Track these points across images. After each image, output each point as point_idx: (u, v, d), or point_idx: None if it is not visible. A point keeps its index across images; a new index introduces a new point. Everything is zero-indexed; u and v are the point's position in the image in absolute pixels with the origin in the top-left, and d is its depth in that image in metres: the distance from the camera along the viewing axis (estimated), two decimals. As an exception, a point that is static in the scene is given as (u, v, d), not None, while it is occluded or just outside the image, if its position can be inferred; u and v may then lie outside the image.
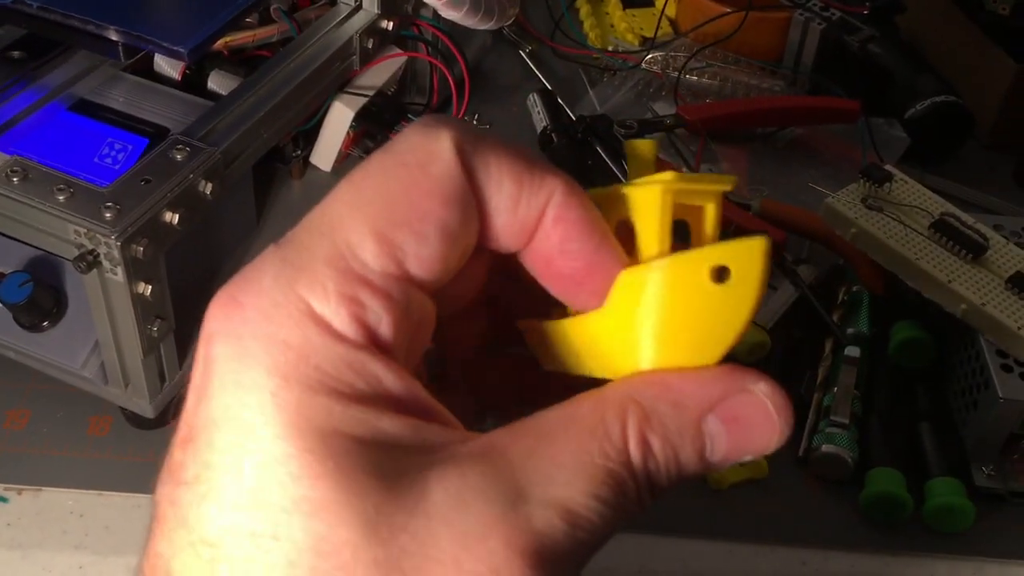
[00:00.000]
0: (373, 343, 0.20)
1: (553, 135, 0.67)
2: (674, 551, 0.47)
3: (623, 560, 0.46)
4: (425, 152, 0.21)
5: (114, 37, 0.46)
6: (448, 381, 0.28)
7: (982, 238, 0.52)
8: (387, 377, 0.20)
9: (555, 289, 0.24)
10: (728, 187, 0.25)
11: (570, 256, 0.23)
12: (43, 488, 0.46)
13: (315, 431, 0.19)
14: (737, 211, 0.60)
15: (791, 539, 0.48)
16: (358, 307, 0.20)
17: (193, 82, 0.54)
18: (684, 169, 0.65)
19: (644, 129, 0.67)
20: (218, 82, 0.53)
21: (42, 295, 0.45)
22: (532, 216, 0.22)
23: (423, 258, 0.21)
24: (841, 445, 0.49)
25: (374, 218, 0.20)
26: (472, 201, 0.21)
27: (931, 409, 0.52)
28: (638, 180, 0.25)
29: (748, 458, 0.23)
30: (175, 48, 0.45)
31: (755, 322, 0.55)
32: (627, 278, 0.23)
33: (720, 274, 0.22)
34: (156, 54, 0.53)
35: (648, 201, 0.23)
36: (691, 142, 0.68)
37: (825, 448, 0.49)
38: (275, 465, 0.19)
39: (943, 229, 0.53)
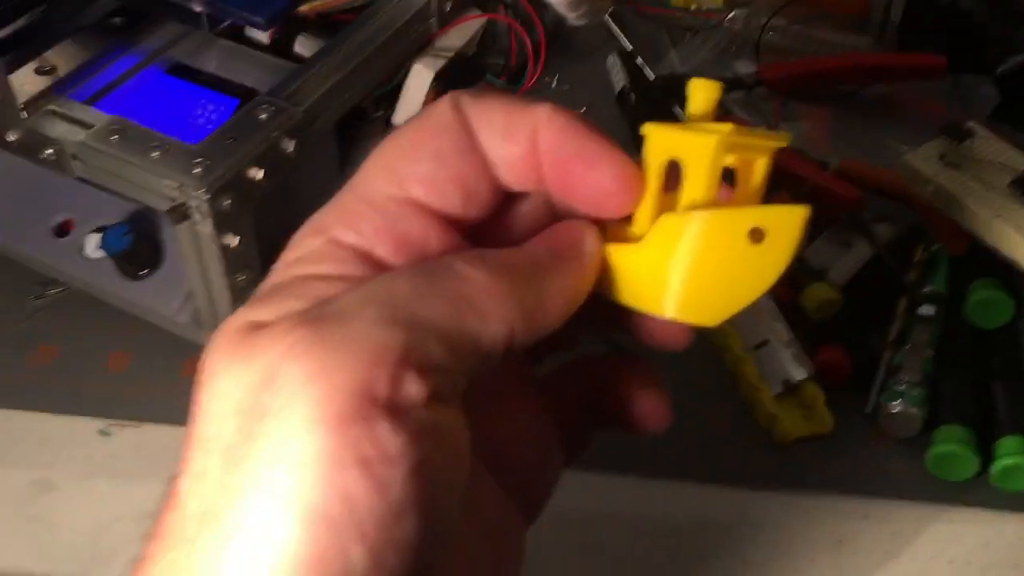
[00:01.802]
0: (364, 244, 0.24)
1: (631, 95, 0.67)
2: (736, 501, 0.48)
3: (685, 508, 0.48)
4: (429, 108, 0.25)
5: (197, 8, 0.49)
6: None
7: (1065, 196, 0.51)
8: (351, 264, 0.24)
9: (579, 202, 0.26)
10: (782, 144, 0.25)
11: (567, 158, 0.25)
12: (143, 424, 0.50)
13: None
14: (814, 169, 0.60)
15: (854, 492, 0.48)
16: (355, 217, 0.24)
17: (281, 46, 0.56)
18: (763, 127, 0.65)
19: (723, 88, 0.67)
20: (304, 45, 0.56)
21: (141, 246, 0.49)
22: (525, 138, 0.25)
23: (417, 176, 0.24)
24: (910, 403, 0.49)
25: (382, 156, 0.25)
26: (465, 133, 0.25)
27: (1006, 369, 0.52)
28: (698, 125, 0.25)
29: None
30: (253, 18, 0.48)
31: (827, 279, 0.55)
32: (667, 221, 0.24)
33: (757, 235, 0.23)
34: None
35: (702, 149, 0.24)
36: (771, 101, 0.68)
37: (893, 405, 0.49)
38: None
39: (1023, 187, 0.51)
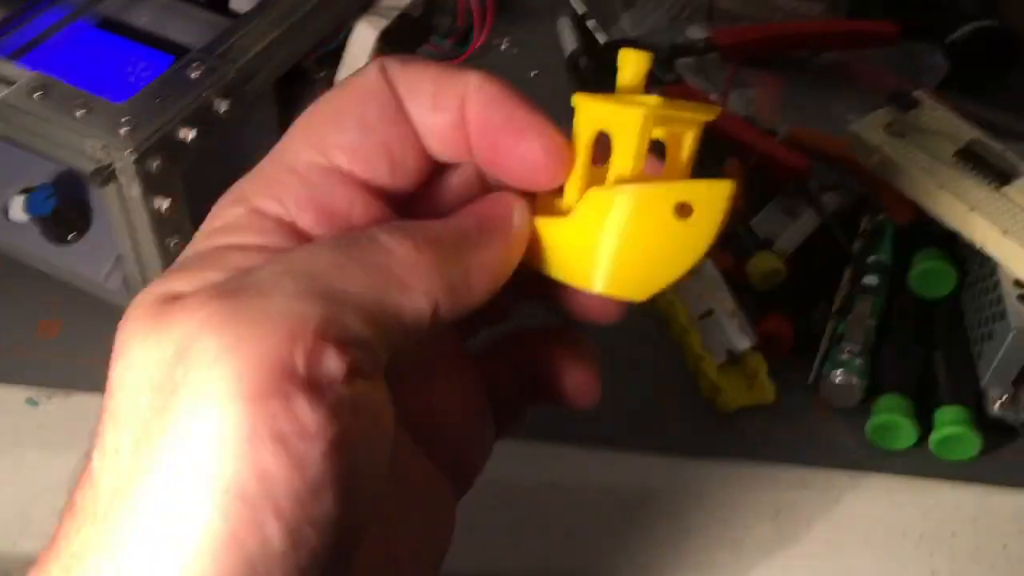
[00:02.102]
0: (286, 214, 0.24)
1: (581, 60, 0.66)
2: (677, 470, 0.48)
3: (626, 477, 0.47)
4: (355, 74, 0.25)
5: None
6: None
7: (1009, 166, 0.51)
8: (273, 234, 0.23)
9: (506, 174, 0.25)
10: (711, 117, 0.25)
11: (494, 129, 0.24)
12: (72, 392, 0.48)
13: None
14: (762, 137, 0.59)
15: (794, 461, 0.48)
16: (277, 186, 0.23)
17: (218, 1, 0.54)
18: (713, 96, 0.65)
19: (674, 54, 0.66)
20: (240, 1, 0.54)
21: (68, 209, 0.47)
22: (453, 107, 0.24)
23: (342, 145, 0.24)
24: (851, 372, 0.49)
25: (306, 123, 0.24)
26: (392, 100, 0.24)
27: (948, 339, 0.52)
28: (625, 97, 0.25)
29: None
30: None
31: (772, 249, 0.55)
32: (595, 195, 0.24)
33: (683, 210, 0.23)
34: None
35: (629, 122, 0.24)
36: (723, 67, 0.67)
37: (835, 374, 0.49)
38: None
39: (968, 157, 0.51)
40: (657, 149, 0.25)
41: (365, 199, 0.24)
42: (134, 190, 0.42)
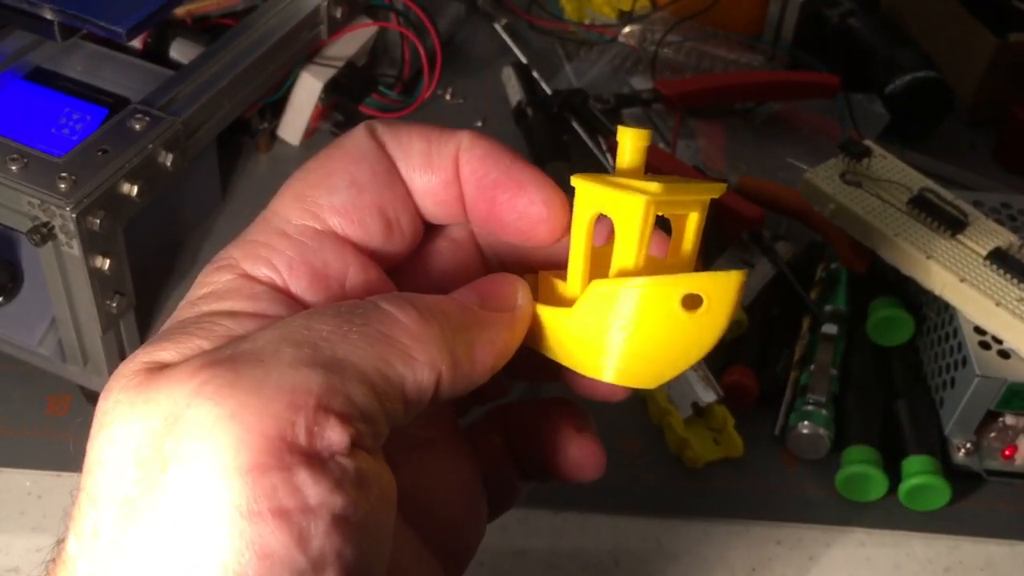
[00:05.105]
0: (279, 279, 0.23)
1: (528, 109, 0.65)
2: (649, 530, 0.46)
3: (597, 540, 0.46)
4: (342, 138, 0.24)
5: (49, 16, 0.44)
6: None
7: (961, 214, 0.52)
8: (265, 301, 0.22)
9: (505, 231, 0.25)
10: (715, 195, 0.25)
11: (491, 184, 0.24)
12: (1, 468, 0.45)
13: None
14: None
15: (766, 517, 0.47)
16: (268, 250, 0.23)
17: (155, 51, 0.52)
18: (662, 145, 0.64)
19: (621, 104, 0.66)
20: (180, 51, 0.51)
21: (-3, 269, 0.44)
22: (446, 167, 0.24)
23: (335, 207, 0.23)
24: (817, 423, 0.48)
25: (296, 186, 0.24)
26: (385, 160, 0.24)
27: (908, 387, 0.52)
28: (627, 181, 0.24)
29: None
30: (112, 28, 0.43)
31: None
32: (599, 290, 0.23)
33: (692, 302, 0.23)
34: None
35: (630, 209, 0.23)
36: (668, 117, 0.67)
37: (801, 426, 0.48)
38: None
39: (922, 205, 0.52)
40: (663, 223, 0.25)
41: (360, 263, 0.23)
42: (74, 249, 0.39)
